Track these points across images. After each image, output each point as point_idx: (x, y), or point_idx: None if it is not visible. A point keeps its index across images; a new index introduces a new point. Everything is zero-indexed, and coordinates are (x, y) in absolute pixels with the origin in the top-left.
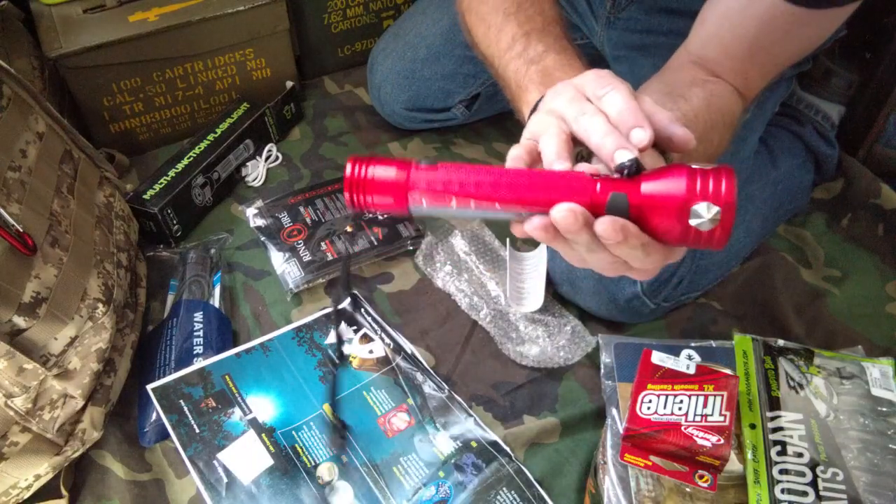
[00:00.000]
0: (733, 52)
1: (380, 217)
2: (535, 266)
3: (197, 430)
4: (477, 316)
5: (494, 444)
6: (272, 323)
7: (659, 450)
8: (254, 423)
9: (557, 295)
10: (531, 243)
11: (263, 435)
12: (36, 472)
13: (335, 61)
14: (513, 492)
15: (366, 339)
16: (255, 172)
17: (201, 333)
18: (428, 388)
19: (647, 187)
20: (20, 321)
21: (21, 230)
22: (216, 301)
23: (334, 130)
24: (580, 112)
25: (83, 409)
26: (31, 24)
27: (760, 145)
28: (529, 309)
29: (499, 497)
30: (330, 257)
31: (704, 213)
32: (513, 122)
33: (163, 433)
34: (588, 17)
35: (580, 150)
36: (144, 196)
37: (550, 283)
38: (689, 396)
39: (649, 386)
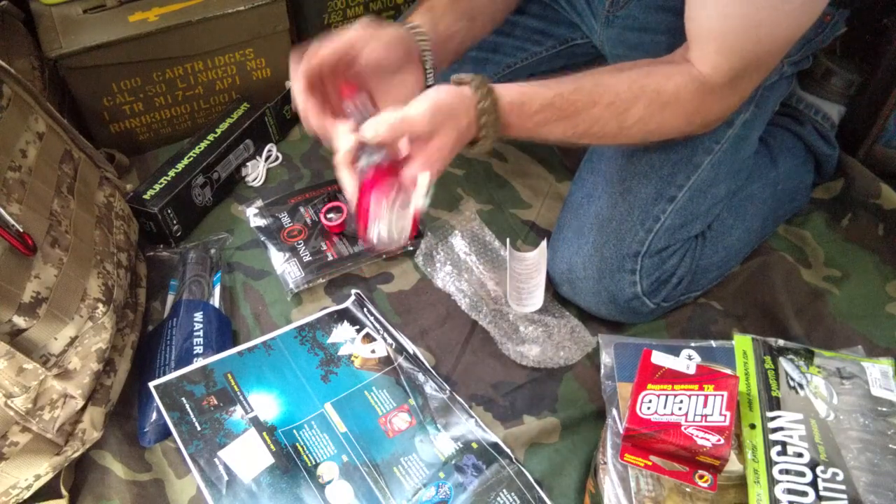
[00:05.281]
0: (698, 39)
1: None
2: (535, 266)
3: (198, 428)
4: (477, 316)
5: (495, 445)
6: (272, 323)
7: (659, 450)
8: (255, 422)
9: (557, 295)
10: (531, 243)
11: (265, 433)
12: (36, 472)
13: None
14: (513, 494)
15: (368, 338)
16: (255, 172)
17: (201, 333)
18: (429, 388)
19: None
20: (20, 321)
21: (21, 230)
22: (216, 301)
23: None
24: None
25: (83, 409)
26: (31, 24)
27: (760, 145)
28: (529, 309)
29: (499, 499)
30: (330, 257)
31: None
32: None
33: (163, 433)
34: (587, 16)
35: None
36: (144, 196)
37: (550, 283)
38: (689, 396)
39: (649, 386)
